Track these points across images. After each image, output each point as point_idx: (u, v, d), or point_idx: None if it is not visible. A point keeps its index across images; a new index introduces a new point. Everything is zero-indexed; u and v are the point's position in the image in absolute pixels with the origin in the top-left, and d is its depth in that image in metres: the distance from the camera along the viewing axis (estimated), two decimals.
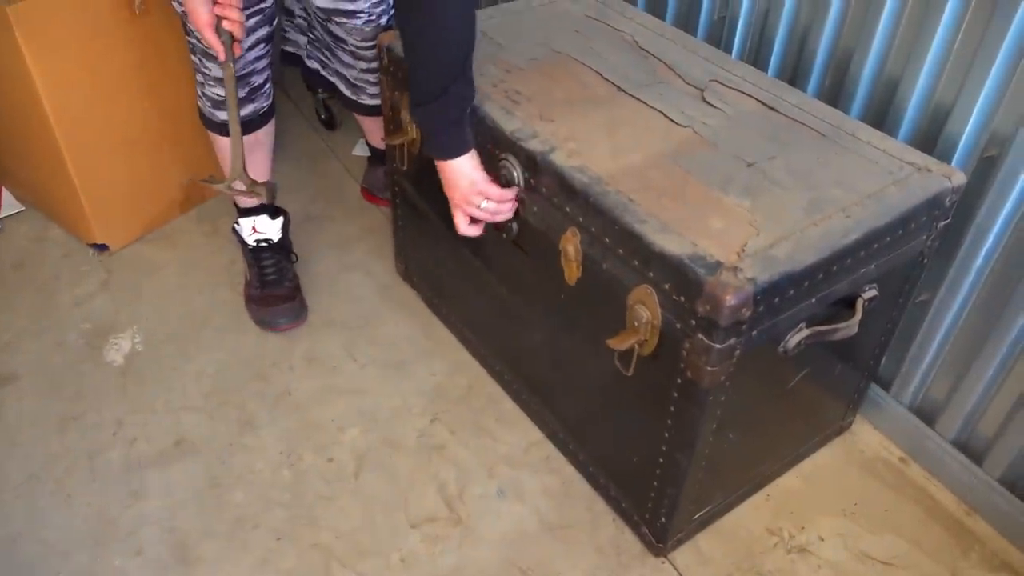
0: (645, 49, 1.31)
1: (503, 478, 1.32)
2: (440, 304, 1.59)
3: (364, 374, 1.50)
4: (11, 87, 1.53)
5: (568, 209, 1.03)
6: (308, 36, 1.64)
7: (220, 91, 1.41)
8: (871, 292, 1.03)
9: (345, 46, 1.48)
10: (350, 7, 1.37)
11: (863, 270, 0.99)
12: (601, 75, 1.24)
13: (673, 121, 1.13)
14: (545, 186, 1.07)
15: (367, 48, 1.46)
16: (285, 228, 1.62)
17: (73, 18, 1.47)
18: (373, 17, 1.39)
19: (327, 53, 1.57)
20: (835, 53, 1.25)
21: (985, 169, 1.08)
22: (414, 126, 1.31)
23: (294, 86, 2.23)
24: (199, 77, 1.42)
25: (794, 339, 0.97)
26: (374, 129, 1.74)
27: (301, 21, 1.65)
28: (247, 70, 1.39)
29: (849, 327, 0.98)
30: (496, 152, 1.14)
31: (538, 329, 1.27)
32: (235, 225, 1.60)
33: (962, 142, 1.10)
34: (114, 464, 1.33)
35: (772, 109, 1.16)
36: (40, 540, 1.22)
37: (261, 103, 1.47)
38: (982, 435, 1.24)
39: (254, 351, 1.54)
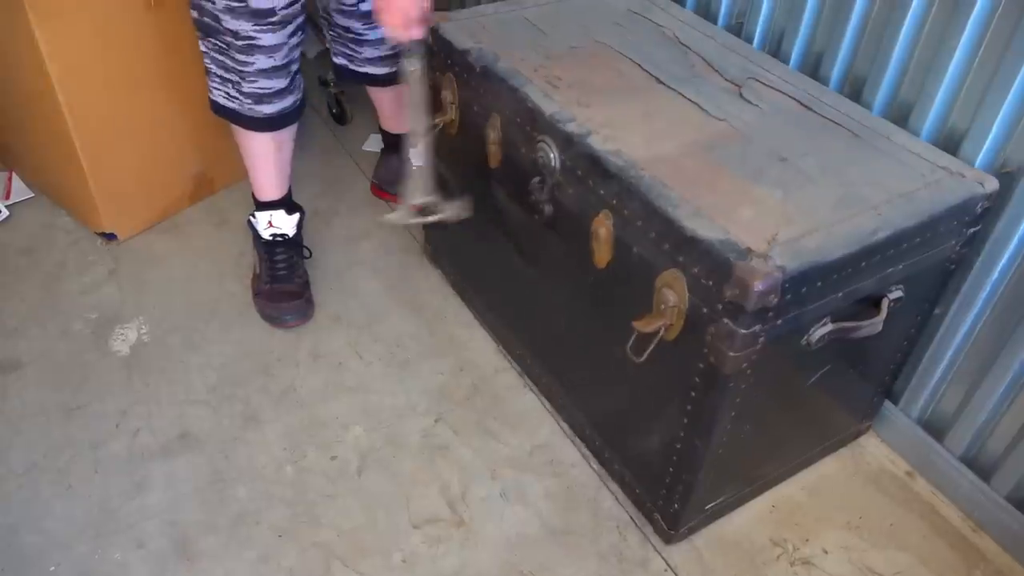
0: (686, 44, 1.47)
1: (506, 480, 1.44)
2: (467, 288, 1.76)
3: (369, 372, 1.63)
4: (24, 74, 1.68)
5: (602, 192, 1.17)
6: (330, 33, 1.80)
7: (267, 83, 1.54)
8: (897, 293, 1.16)
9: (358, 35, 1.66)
10: None
11: (890, 269, 1.13)
12: (640, 66, 1.40)
13: (709, 114, 1.28)
14: (580, 168, 1.21)
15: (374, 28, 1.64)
16: (300, 225, 1.78)
17: (88, 7, 1.62)
18: None
19: (354, 44, 1.73)
20: (847, 79, 1.41)
21: (1004, 184, 1.20)
22: (454, 107, 1.47)
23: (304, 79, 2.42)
24: (231, 76, 1.54)
25: (818, 332, 1.10)
26: (393, 111, 1.91)
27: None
28: (290, 57, 1.54)
29: (873, 325, 1.12)
30: (534, 134, 1.28)
31: (564, 312, 1.41)
32: (251, 217, 1.75)
33: (980, 156, 1.24)
34: (117, 455, 1.45)
35: (808, 108, 1.30)
36: (40, 530, 1.33)
37: (296, 95, 1.63)
38: (991, 452, 1.36)
39: (260, 345, 1.68)
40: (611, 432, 1.41)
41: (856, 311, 1.14)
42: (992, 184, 1.18)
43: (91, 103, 1.71)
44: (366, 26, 1.68)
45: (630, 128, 1.23)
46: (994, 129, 1.21)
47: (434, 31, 1.48)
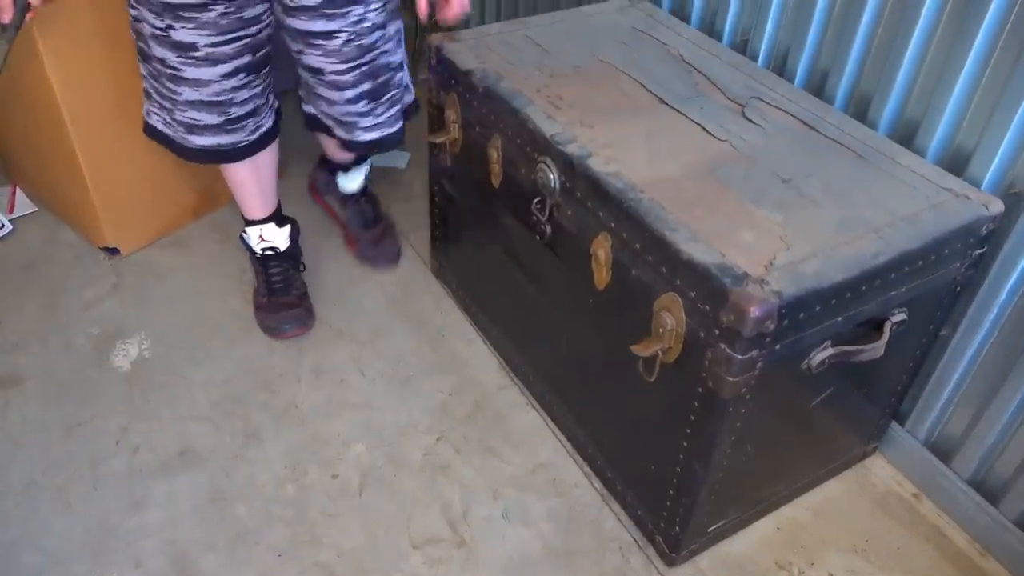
0: (690, 63, 1.49)
1: (508, 500, 1.46)
2: (471, 304, 1.79)
3: (371, 389, 1.66)
4: (28, 89, 1.72)
5: (601, 214, 1.19)
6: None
7: (197, 115, 1.51)
8: (900, 316, 1.18)
9: (323, 77, 1.50)
10: (327, 27, 1.42)
11: (893, 293, 1.14)
12: (643, 86, 1.42)
13: (711, 134, 1.30)
14: (580, 190, 1.23)
15: (347, 72, 1.48)
16: (293, 237, 1.80)
17: (91, 22, 1.65)
18: (353, 37, 1.44)
19: (311, 94, 1.60)
20: (853, 97, 1.42)
21: (1012, 205, 1.22)
22: (456, 126, 1.49)
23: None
24: (164, 102, 1.52)
25: (819, 356, 1.11)
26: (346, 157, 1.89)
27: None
28: (222, 98, 1.50)
29: (875, 349, 1.13)
30: (534, 155, 1.31)
31: (566, 332, 1.43)
32: (243, 234, 1.78)
33: (987, 177, 1.25)
34: (117, 473, 1.48)
35: (812, 128, 1.32)
36: (38, 548, 1.36)
37: (240, 137, 1.58)
38: (999, 475, 1.37)
39: (262, 361, 1.70)
40: (613, 452, 1.42)
41: (858, 334, 1.16)
42: (997, 206, 1.19)
43: (94, 117, 1.74)
44: (312, 80, 1.54)
45: (631, 149, 1.25)
46: (1001, 149, 1.22)
47: (438, 50, 1.51)
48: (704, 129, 1.31)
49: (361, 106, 1.54)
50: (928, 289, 1.20)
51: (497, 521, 1.43)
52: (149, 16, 1.38)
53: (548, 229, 1.33)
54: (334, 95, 1.53)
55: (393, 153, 2.25)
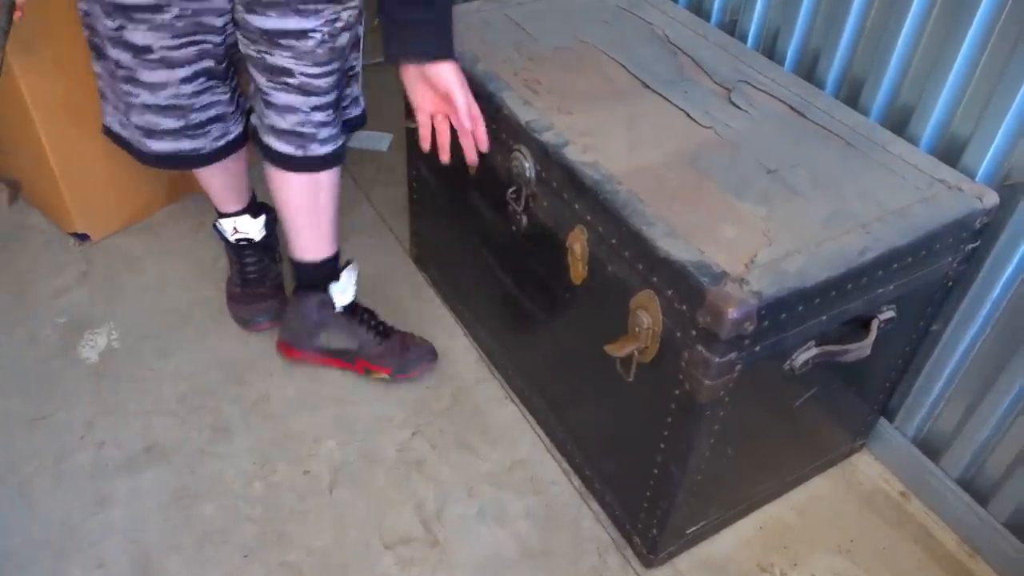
0: (675, 44, 1.43)
1: (484, 498, 1.42)
2: (450, 293, 1.74)
3: (345, 381, 1.60)
4: None
5: (577, 206, 1.14)
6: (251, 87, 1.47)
7: (154, 119, 1.40)
8: (888, 313, 1.13)
9: (290, 80, 1.33)
10: (301, 24, 1.27)
11: (881, 290, 1.09)
12: (626, 69, 1.36)
13: (695, 121, 1.24)
14: (555, 180, 1.18)
15: (320, 76, 1.33)
16: (269, 226, 1.72)
17: (56, 8, 1.58)
18: (327, 38, 1.30)
19: (262, 104, 1.39)
20: (845, 81, 1.37)
21: (1007, 197, 1.17)
22: None
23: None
24: (120, 105, 1.41)
25: (802, 357, 1.07)
26: (307, 223, 1.54)
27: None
28: (181, 102, 1.39)
29: (861, 348, 1.09)
30: (510, 142, 1.26)
31: (543, 326, 1.39)
32: (216, 224, 1.71)
33: (982, 167, 1.20)
34: (81, 468, 1.44)
35: (801, 114, 1.27)
36: None
37: (202, 143, 1.47)
38: (989, 475, 1.33)
39: (234, 353, 1.66)
40: (591, 450, 1.38)
41: (844, 333, 1.11)
42: (992, 199, 1.14)
43: (59, 104, 1.68)
44: (272, 84, 1.34)
45: (611, 137, 1.20)
46: (998, 138, 1.17)
47: None
48: (688, 115, 1.26)
49: (324, 115, 1.39)
50: (918, 285, 1.16)
51: (472, 520, 1.39)
52: (101, 15, 1.29)
53: (524, 220, 1.28)
54: (298, 101, 1.36)
55: (375, 135, 2.19)
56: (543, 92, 1.29)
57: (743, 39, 1.50)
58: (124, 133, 1.47)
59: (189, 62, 1.35)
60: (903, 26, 1.25)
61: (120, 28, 1.29)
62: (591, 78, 1.34)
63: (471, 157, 1.27)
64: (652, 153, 1.18)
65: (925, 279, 1.16)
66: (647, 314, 1.05)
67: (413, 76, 1.23)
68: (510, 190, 1.27)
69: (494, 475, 1.45)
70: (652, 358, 1.08)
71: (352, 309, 1.58)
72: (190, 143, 1.45)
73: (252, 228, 1.69)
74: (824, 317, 1.05)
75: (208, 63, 1.38)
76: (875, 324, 1.12)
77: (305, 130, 1.39)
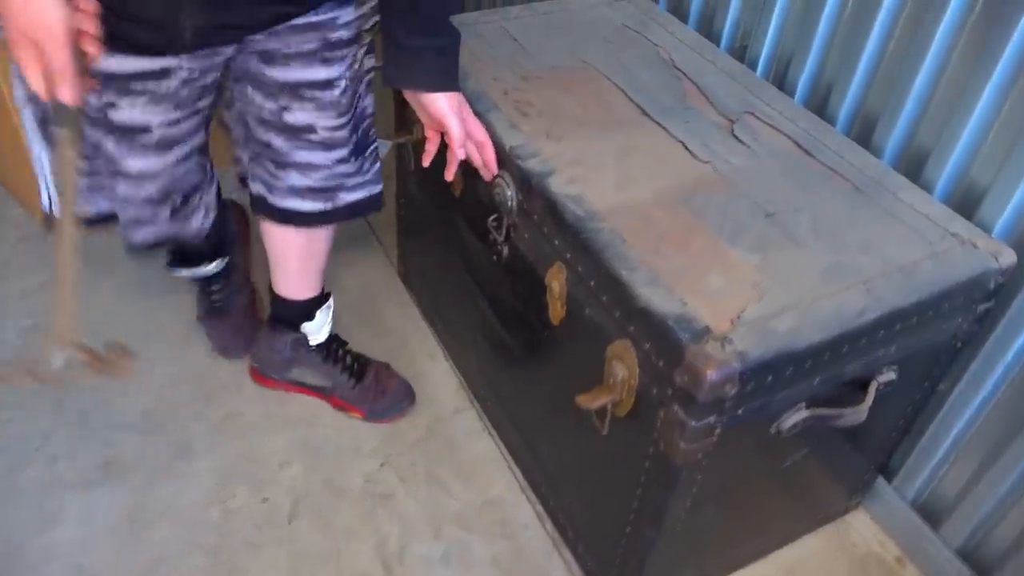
0: (680, 69, 1.35)
1: (451, 540, 1.34)
2: (434, 315, 1.67)
3: (316, 403, 1.53)
4: None
5: (557, 242, 1.06)
6: (250, 150, 1.30)
7: (137, 212, 1.21)
8: (889, 375, 1.04)
9: (311, 137, 1.21)
10: (328, 74, 1.16)
11: (881, 351, 1.01)
12: (625, 93, 1.28)
13: (693, 155, 1.16)
14: (536, 212, 1.10)
15: (342, 128, 1.22)
16: (230, 250, 1.58)
17: None
18: (348, 83, 1.20)
19: (274, 165, 1.26)
20: (858, 117, 1.28)
21: None
22: (419, 126, 1.26)
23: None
24: (90, 181, 1.15)
25: (790, 420, 0.98)
26: (300, 265, 1.44)
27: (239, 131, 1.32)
28: (171, 187, 1.22)
29: (857, 413, 1.00)
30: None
31: (522, 362, 1.31)
32: (168, 265, 1.55)
33: (1000, 220, 1.11)
34: (32, 483, 1.37)
35: (807, 152, 1.18)
36: None
37: (182, 226, 1.29)
38: (993, 549, 1.24)
39: (204, 367, 1.59)
40: (566, 496, 1.30)
41: (840, 393, 1.02)
42: (1008, 257, 1.05)
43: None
44: (291, 143, 1.22)
45: (600, 168, 1.12)
46: (1019, 189, 1.08)
47: None
48: (686, 147, 1.17)
49: (349, 166, 1.27)
50: (923, 346, 1.07)
51: (435, 564, 1.31)
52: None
53: (505, 250, 1.20)
54: (320, 158, 1.23)
55: None
56: (533, 115, 1.21)
57: (753, 66, 1.41)
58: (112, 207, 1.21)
59: (188, 137, 1.18)
60: (924, 61, 1.15)
61: (109, 106, 1.07)
62: (586, 102, 1.25)
63: (448, 173, 1.20)
64: (642, 189, 1.09)
65: (931, 340, 1.07)
66: (623, 365, 0.97)
67: (412, 98, 1.16)
68: (491, 218, 1.20)
69: (463, 515, 1.37)
70: (627, 412, 1.00)
71: (327, 344, 1.50)
72: (171, 228, 1.27)
73: (211, 269, 1.56)
74: (816, 380, 0.97)
75: (201, 136, 1.22)
76: (873, 386, 1.03)
77: (330, 185, 1.28)
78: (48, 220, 1.19)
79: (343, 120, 1.22)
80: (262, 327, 1.54)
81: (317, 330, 1.48)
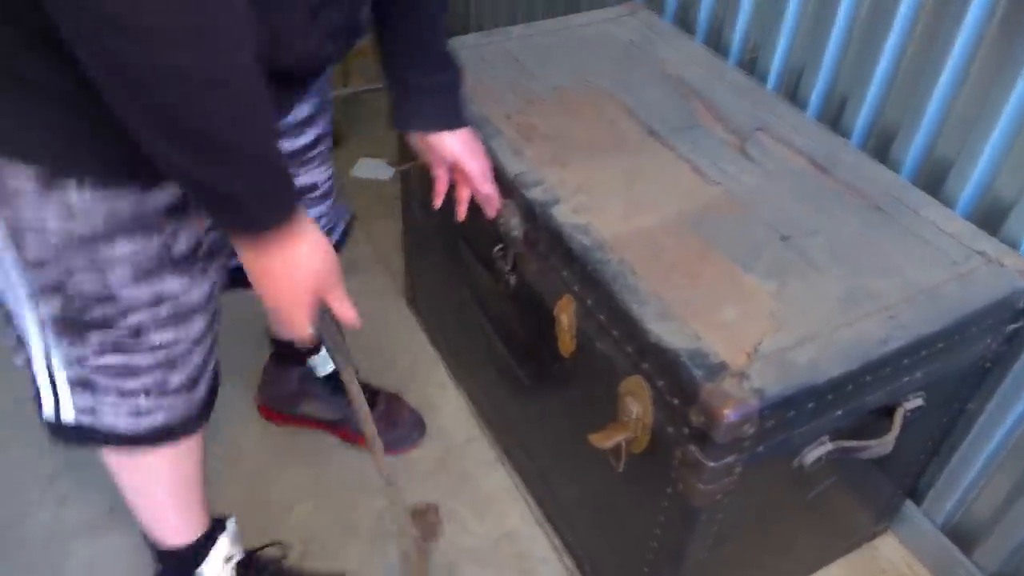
0: (688, 85, 1.30)
1: None
2: (442, 341, 1.64)
3: (325, 438, 1.49)
4: None
5: (564, 273, 1.03)
6: None
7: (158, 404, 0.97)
8: (916, 402, 1.00)
9: (315, 193, 1.18)
10: (314, 133, 1.11)
11: (907, 379, 0.96)
12: (631, 113, 1.24)
13: (703, 176, 1.12)
14: (542, 243, 1.06)
15: (331, 176, 1.20)
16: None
17: None
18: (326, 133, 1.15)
19: None
20: (874, 130, 1.24)
21: None
22: None
23: None
24: (118, 385, 0.93)
25: (813, 454, 0.94)
26: None
27: None
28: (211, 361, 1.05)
29: (883, 445, 0.95)
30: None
31: (533, 393, 1.27)
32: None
33: None
34: (37, 530, 1.34)
35: (822, 170, 1.14)
36: None
37: (199, 396, 1.06)
38: None
39: None
40: (583, 531, 1.26)
41: (864, 423, 0.98)
42: None
43: None
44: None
45: (608, 194, 1.08)
46: None
47: None
48: (695, 169, 1.13)
49: (328, 204, 1.23)
50: (950, 371, 1.02)
51: None
52: (122, 278, 0.85)
53: (512, 280, 1.16)
54: (321, 209, 1.20)
55: (378, 164, 2.09)
56: (537, 140, 1.18)
57: (763, 80, 1.37)
58: (91, 425, 0.98)
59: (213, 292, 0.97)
60: (943, 70, 1.11)
61: (158, 302, 0.89)
62: (592, 124, 1.22)
63: (460, 213, 1.15)
64: (651, 215, 1.05)
65: (959, 364, 1.02)
66: (636, 402, 0.93)
67: (421, 140, 1.10)
68: (496, 247, 1.16)
69: (479, 551, 1.33)
70: (643, 450, 0.96)
71: (335, 375, 1.43)
72: (184, 403, 1.02)
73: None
74: (839, 412, 0.92)
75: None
76: (900, 414, 0.98)
77: (330, 226, 1.25)
78: (52, 428, 1.00)
79: (331, 168, 1.21)
80: (267, 362, 1.50)
81: (324, 362, 1.43)
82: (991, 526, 1.23)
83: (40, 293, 0.84)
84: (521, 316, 1.20)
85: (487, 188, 1.10)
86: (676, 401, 0.87)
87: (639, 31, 1.45)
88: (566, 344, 1.06)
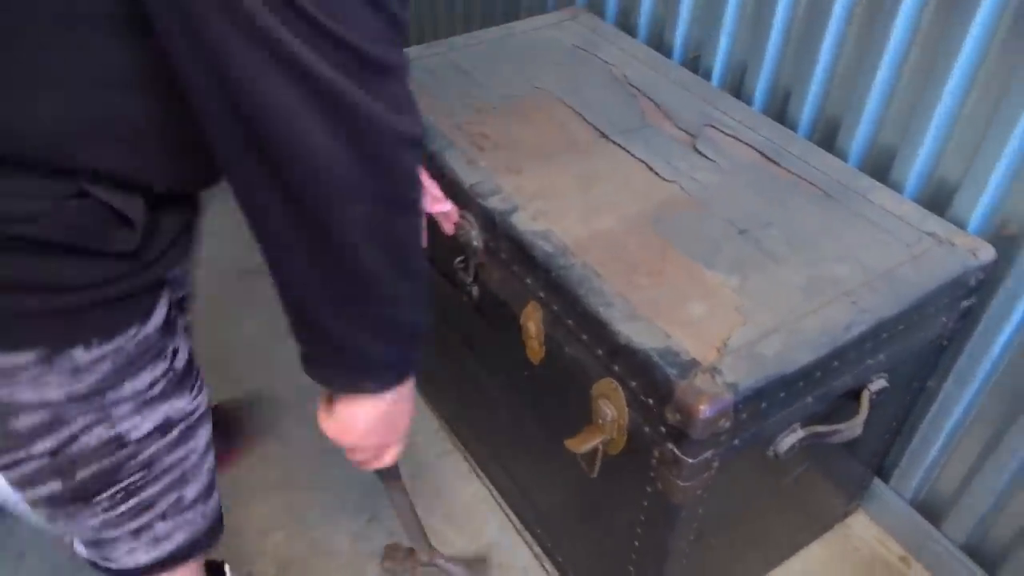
0: (635, 86, 1.32)
1: None
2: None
3: (294, 459, 1.48)
4: None
5: (528, 281, 1.02)
6: None
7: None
8: (880, 383, 1.01)
9: None
10: None
11: (870, 361, 0.98)
12: (582, 116, 1.25)
13: (658, 175, 1.13)
14: (504, 252, 1.06)
15: None
16: None
17: None
18: None
19: None
20: (819, 121, 1.26)
21: (1003, 249, 1.06)
22: None
23: None
24: (131, 527, 0.80)
25: (786, 442, 0.95)
26: None
27: None
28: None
29: (852, 428, 0.97)
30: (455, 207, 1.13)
31: (504, 403, 1.27)
32: None
33: (974, 215, 1.09)
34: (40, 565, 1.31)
35: (773, 162, 1.15)
36: None
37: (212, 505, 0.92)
38: (996, 542, 1.23)
39: None
40: (564, 536, 1.26)
41: (832, 408, 1.00)
42: (987, 253, 1.03)
43: None
44: None
45: (565, 199, 1.08)
46: (991, 180, 1.06)
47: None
48: (649, 168, 1.14)
49: None
50: (911, 350, 1.04)
51: None
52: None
53: (475, 291, 1.16)
54: None
55: None
56: (490, 148, 1.17)
57: (707, 77, 1.38)
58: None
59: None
60: (882, 59, 1.13)
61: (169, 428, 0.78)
62: (543, 129, 1.22)
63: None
64: (610, 217, 1.06)
65: (918, 342, 1.05)
66: (610, 405, 0.93)
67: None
68: (457, 259, 1.16)
69: None
70: (620, 451, 0.96)
71: None
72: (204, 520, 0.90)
73: None
74: (809, 398, 0.94)
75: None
76: (866, 396, 1.00)
77: None
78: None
79: None
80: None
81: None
82: (956, 498, 1.26)
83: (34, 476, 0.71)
84: (487, 326, 1.19)
85: (437, 208, 1.07)
86: (650, 401, 0.88)
87: (582, 35, 1.46)
88: (535, 351, 1.06)
